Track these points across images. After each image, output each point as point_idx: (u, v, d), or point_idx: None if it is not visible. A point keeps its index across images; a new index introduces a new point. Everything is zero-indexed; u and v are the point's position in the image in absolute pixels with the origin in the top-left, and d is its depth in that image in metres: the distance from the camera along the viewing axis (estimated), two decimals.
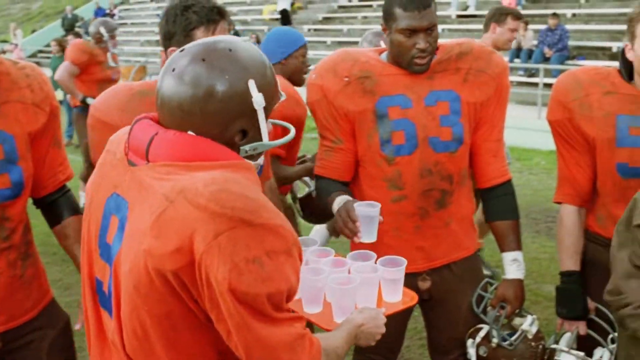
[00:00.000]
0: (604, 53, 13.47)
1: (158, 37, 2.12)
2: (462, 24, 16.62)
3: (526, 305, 2.49)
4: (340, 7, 21.22)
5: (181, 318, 1.32)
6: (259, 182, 1.36)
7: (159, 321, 1.31)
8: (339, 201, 2.18)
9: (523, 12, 15.22)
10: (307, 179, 3.24)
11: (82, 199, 6.17)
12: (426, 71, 2.26)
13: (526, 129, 10.65)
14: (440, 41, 2.31)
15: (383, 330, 1.67)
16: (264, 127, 1.39)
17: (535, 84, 12.27)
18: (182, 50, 1.38)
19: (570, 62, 13.26)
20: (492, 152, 2.39)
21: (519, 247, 2.39)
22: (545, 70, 12.06)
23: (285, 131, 1.53)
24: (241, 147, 1.38)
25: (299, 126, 2.87)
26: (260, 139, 1.40)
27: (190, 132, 1.33)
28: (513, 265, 2.37)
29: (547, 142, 9.99)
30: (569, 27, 13.82)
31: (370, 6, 19.82)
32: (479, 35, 4.66)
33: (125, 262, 1.31)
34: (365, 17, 19.17)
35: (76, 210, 2.18)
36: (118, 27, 6.97)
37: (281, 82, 2.71)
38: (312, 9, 22.20)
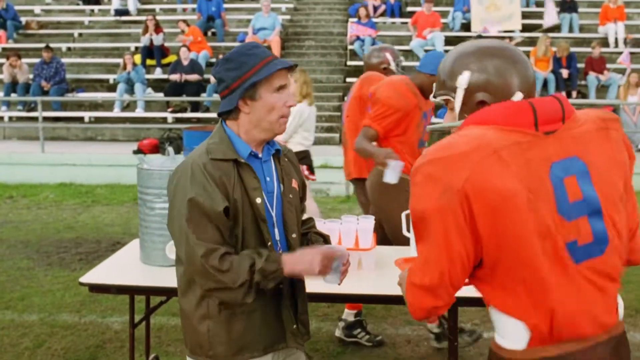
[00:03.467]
0: (102, 85, 13.91)
1: None
2: None
3: None
4: None
5: None
6: None
7: None
8: None
9: (15, 45, 14.78)
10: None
11: None
12: None
13: (31, 164, 10.54)
14: None
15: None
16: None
17: (36, 118, 11.94)
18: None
19: (70, 94, 13.35)
20: None
21: None
22: (44, 104, 11.87)
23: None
24: None
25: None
26: None
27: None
28: None
29: (53, 175, 10.09)
30: (66, 60, 13.91)
31: None
32: None
33: (613, 189, 1.61)
34: None
35: None
36: None
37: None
38: None
